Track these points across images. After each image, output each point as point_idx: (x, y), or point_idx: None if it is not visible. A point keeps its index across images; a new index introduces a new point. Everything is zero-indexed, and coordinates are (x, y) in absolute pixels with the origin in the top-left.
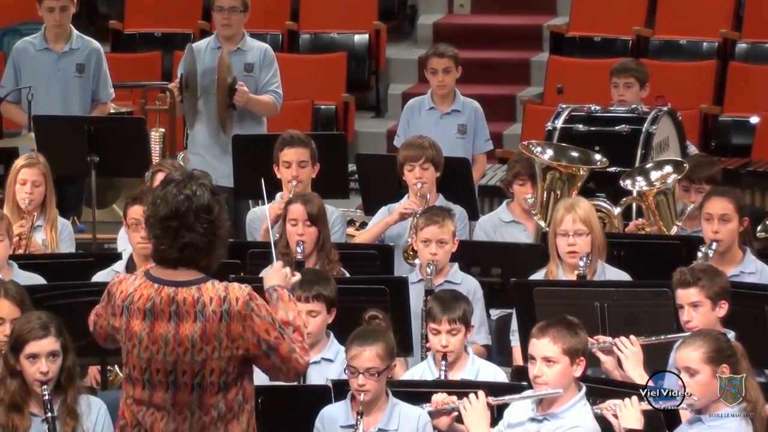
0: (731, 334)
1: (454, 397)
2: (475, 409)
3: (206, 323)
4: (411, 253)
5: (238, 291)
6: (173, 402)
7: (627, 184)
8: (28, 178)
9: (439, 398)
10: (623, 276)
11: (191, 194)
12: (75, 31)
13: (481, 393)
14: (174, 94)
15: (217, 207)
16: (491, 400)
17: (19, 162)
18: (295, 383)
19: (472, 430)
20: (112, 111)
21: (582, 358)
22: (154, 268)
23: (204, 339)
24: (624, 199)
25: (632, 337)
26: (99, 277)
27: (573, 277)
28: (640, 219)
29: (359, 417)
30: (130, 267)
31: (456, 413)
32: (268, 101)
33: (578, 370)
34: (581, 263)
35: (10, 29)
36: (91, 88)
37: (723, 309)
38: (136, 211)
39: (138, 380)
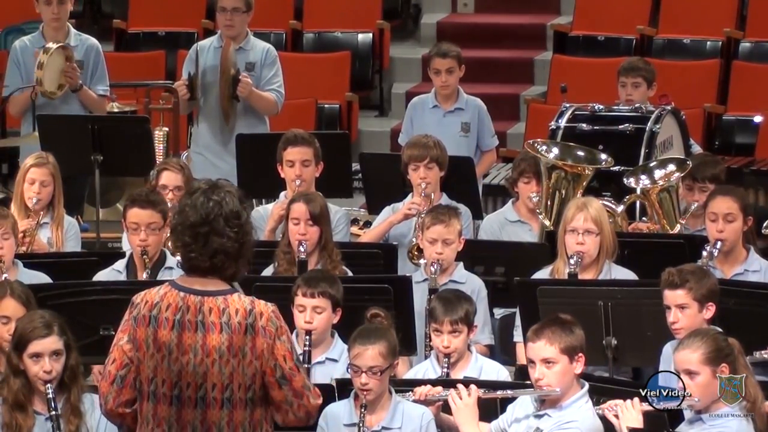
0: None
1: (440, 388)
2: (465, 404)
3: (232, 335)
4: (416, 252)
5: (263, 307)
6: (202, 419)
7: (631, 182)
8: (36, 177)
9: (423, 390)
10: (631, 276)
11: (220, 200)
12: (73, 29)
13: (472, 387)
14: (178, 94)
15: (245, 214)
16: (482, 393)
17: (28, 161)
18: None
19: (462, 426)
20: (115, 110)
21: (580, 354)
22: (180, 278)
23: (231, 351)
24: (627, 196)
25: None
26: (100, 276)
27: (582, 275)
28: (643, 219)
29: (363, 410)
30: (131, 267)
31: (440, 403)
32: (269, 98)
33: (578, 367)
34: (572, 261)
35: (13, 28)
36: (88, 84)
37: (710, 311)
38: (135, 214)
39: (166, 396)
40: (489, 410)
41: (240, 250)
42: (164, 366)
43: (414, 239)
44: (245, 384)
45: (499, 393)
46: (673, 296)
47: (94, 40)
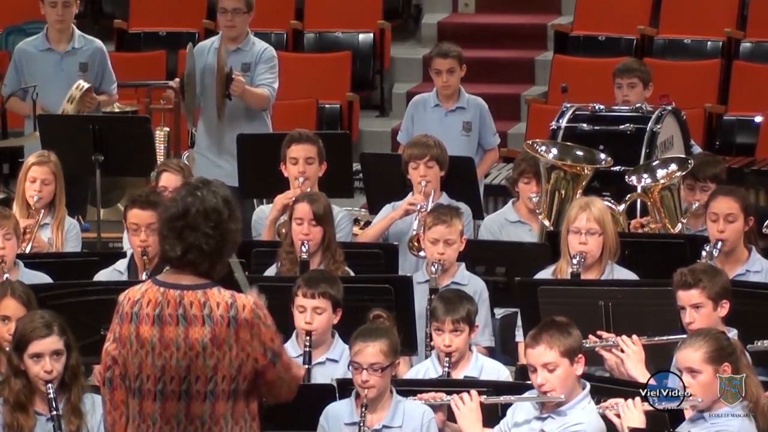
0: (733, 332)
1: (443, 394)
2: (468, 408)
3: (215, 327)
4: (416, 243)
5: (245, 299)
6: (186, 412)
7: (632, 180)
8: (37, 176)
9: (427, 396)
10: (632, 277)
11: (201, 196)
12: (77, 31)
13: (474, 392)
14: (176, 93)
15: (226, 213)
16: (484, 399)
17: (30, 159)
18: None
19: (465, 429)
20: (116, 110)
21: (580, 355)
22: (161, 274)
23: (215, 343)
24: (629, 195)
25: (634, 336)
26: (101, 276)
27: (585, 276)
28: (645, 219)
29: (364, 410)
30: (132, 267)
31: (444, 412)
32: (261, 93)
33: (579, 369)
34: (574, 261)
35: (15, 28)
36: (96, 86)
37: (725, 309)
38: (135, 215)
39: (150, 392)
40: (491, 414)
41: (216, 247)
42: (148, 362)
43: (414, 231)
44: (230, 376)
45: (502, 398)
46: (687, 296)
47: (99, 42)
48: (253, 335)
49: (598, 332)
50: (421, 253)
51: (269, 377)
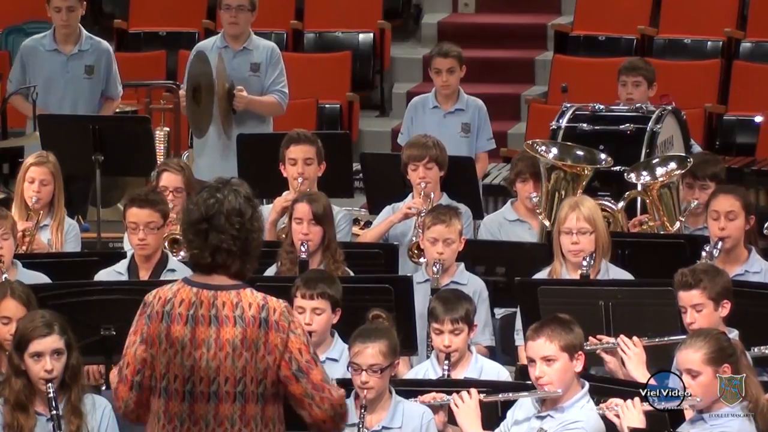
0: (734, 333)
1: (443, 395)
2: (467, 406)
3: (246, 328)
4: (415, 251)
5: (276, 303)
6: (215, 414)
7: (632, 177)
8: (36, 176)
9: (428, 397)
10: (626, 277)
11: (222, 198)
12: (84, 32)
13: (473, 391)
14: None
15: (249, 212)
16: (483, 397)
17: (29, 160)
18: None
19: (465, 428)
20: (117, 110)
21: (580, 352)
22: (193, 275)
23: (244, 344)
24: (628, 192)
25: (635, 338)
26: (101, 276)
27: (577, 276)
28: (644, 216)
29: (363, 410)
30: (132, 267)
31: (445, 413)
32: (272, 101)
33: (578, 365)
34: (584, 263)
35: (15, 28)
36: (101, 88)
37: (726, 309)
38: (134, 214)
39: (178, 392)
40: (490, 414)
41: (243, 247)
42: (177, 361)
43: (414, 238)
44: (257, 378)
45: (501, 396)
46: (688, 297)
47: (106, 44)
48: (281, 339)
49: (598, 336)
50: (422, 260)
51: (294, 390)
